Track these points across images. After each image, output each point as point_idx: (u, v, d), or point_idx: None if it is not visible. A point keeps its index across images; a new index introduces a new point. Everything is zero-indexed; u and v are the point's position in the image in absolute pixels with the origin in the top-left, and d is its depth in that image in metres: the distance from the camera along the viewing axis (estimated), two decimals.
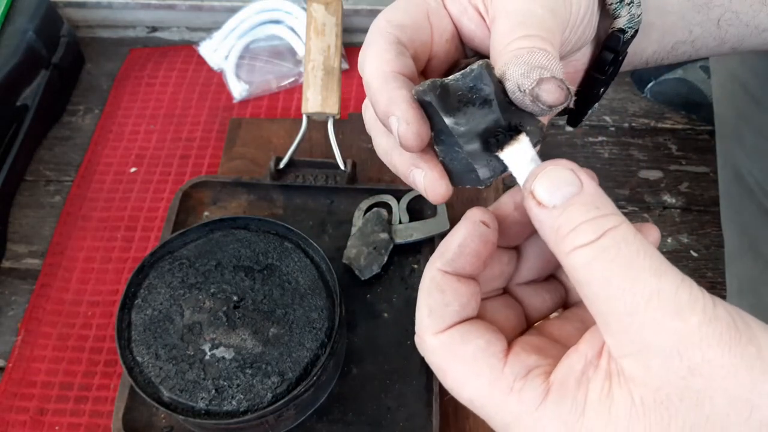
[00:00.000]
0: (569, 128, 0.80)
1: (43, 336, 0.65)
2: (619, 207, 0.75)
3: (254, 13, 0.85)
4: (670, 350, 0.19)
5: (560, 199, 0.21)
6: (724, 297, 0.60)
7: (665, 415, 0.19)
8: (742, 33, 0.35)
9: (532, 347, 0.23)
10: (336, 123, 0.61)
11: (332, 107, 0.59)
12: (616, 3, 0.31)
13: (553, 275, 0.29)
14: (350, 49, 0.87)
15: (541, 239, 0.23)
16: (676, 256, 0.71)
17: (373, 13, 0.88)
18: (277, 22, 0.85)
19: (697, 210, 0.75)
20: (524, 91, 0.23)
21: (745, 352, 0.19)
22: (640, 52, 0.35)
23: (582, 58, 0.34)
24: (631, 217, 0.74)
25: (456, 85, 0.23)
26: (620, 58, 0.33)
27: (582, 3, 0.29)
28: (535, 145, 0.24)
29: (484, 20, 0.28)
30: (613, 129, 0.81)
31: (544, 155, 0.24)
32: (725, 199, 0.59)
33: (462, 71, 0.23)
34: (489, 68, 0.23)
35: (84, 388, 0.62)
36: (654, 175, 0.77)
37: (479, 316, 0.25)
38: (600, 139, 0.80)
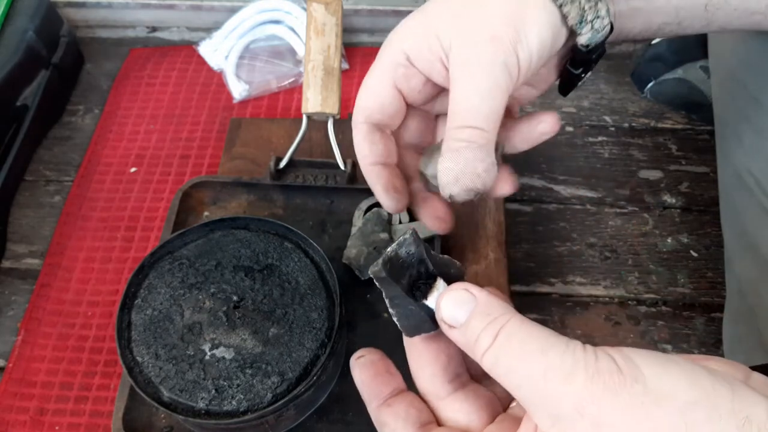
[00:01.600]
0: (569, 128, 0.80)
1: (43, 336, 0.65)
2: (619, 207, 0.76)
3: (254, 13, 0.85)
4: (572, 413, 0.22)
5: (463, 316, 0.25)
6: (724, 297, 0.60)
7: None
8: (730, 15, 0.36)
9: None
10: (336, 123, 0.61)
11: (332, 107, 0.59)
12: (577, 24, 0.33)
13: None
14: (350, 49, 0.87)
15: None
16: (676, 256, 0.71)
17: (373, 14, 0.88)
18: (277, 22, 0.85)
19: (697, 210, 0.75)
20: (445, 195, 0.31)
21: (632, 392, 0.21)
22: (626, 33, 0.37)
23: (557, 56, 0.37)
24: (631, 216, 0.74)
25: (396, 255, 0.28)
26: (593, 56, 0.35)
27: (532, 53, 0.32)
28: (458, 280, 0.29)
29: (447, 71, 0.34)
30: (613, 129, 0.81)
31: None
32: (725, 199, 0.59)
33: (397, 241, 0.28)
34: (415, 233, 0.29)
35: (84, 388, 0.62)
36: (654, 175, 0.77)
37: (447, 417, 0.28)
38: (600, 139, 0.80)
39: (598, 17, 0.33)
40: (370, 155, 0.37)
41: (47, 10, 0.81)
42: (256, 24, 0.85)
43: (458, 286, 0.27)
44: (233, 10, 0.86)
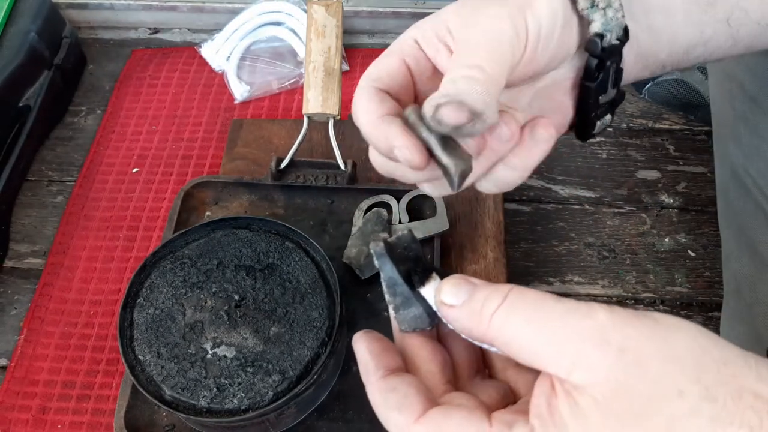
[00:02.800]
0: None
1: (45, 335, 0.65)
2: (617, 207, 0.76)
3: (255, 14, 0.85)
4: (597, 341, 0.23)
5: (464, 295, 0.26)
6: (722, 296, 0.61)
7: (624, 397, 0.22)
8: (755, 32, 0.35)
9: (507, 411, 0.26)
10: (336, 124, 0.62)
11: (333, 108, 0.60)
12: (588, 8, 0.32)
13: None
14: (351, 51, 0.88)
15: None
16: (673, 256, 0.72)
17: (373, 15, 0.88)
18: (278, 23, 0.86)
19: (694, 210, 0.75)
20: (428, 116, 0.28)
21: (646, 323, 0.23)
22: (654, 57, 0.36)
23: (572, 70, 0.35)
24: (629, 216, 0.75)
25: (396, 243, 0.29)
26: (608, 63, 0.33)
27: (542, 20, 0.31)
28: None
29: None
30: (611, 129, 0.81)
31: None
32: (722, 198, 0.60)
33: (396, 235, 0.29)
34: (411, 234, 0.29)
35: (86, 386, 0.62)
36: (652, 175, 0.78)
37: None
38: (598, 139, 0.80)
39: (610, 6, 0.32)
40: (379, 109, 0.31)
41: (50, 12, 0.82)
42: (257, 26, 0.85)
43: (457, 275, 0.27)
44: (235, 12, 0.86)
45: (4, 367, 0.64)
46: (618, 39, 0.33)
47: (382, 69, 0.33)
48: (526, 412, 0.25)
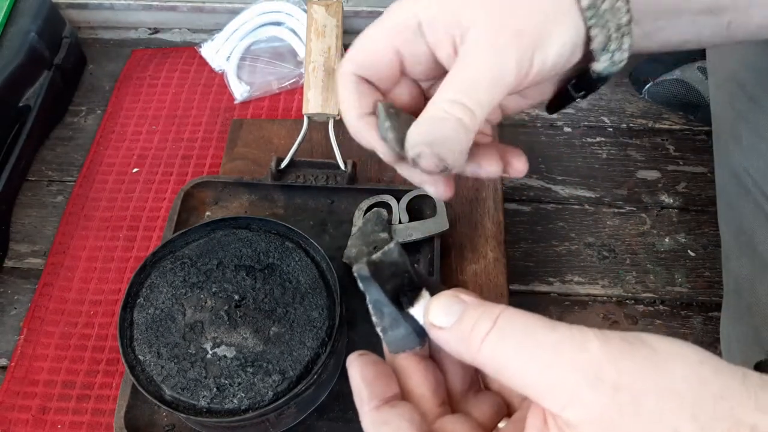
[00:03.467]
0: (567, 129, 0.81)
1: (45, 335, 0.65)
2: (617, 207, 0.76)
3: (255, 14, 0.85)
4: (591, 379, 0.22)
5: (454, 316, 0.25)
6: (722, 296, 0.61)
7: None
8: (753, 32, 0.35)
9: None
10: (336, 124, 0.62)
11: (333, 108, 0.60)
12: (600, 50, 0.31)
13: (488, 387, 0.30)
14: None
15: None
16: (673, 256, 0.72)
17: (373, 15, 0.88)
18: (278, 23, 0.86)
19: (694, 210, 0.75)
20: (408, 156, 0.28)
21: (644, 354, 0.22)
22: (645, 50, 0.36)
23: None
24: (629, 216, 0.75)
25: (381, 261, 0.28)
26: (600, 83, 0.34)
27: (548, 60, 0.30)
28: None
29: (455, 54, 0.31)
30: (611, 129, 0.81)
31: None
32: (722, 198, 0.59)
33: (382, 251, 0.28)
34: (399, 246, 0.28)
35: (86, 386, 0.62)
36: (652, 175, 0.78)
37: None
38: (598, 139, 0.80)
39: (620, 49, 0.31)
40: (358, 106, 0.32)
41: (50, 12, 0.82)
42: (257, 26, 0.86)
43: (448, 293, 0.26)
44: (235, 12, 0.86)
45: (4, 367, 0.64)
46: (617, 71, 0.33)
47: (370, 57, 0.32)
48: None
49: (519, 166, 0.34)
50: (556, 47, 0.30)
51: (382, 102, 0.32)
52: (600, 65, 0.32)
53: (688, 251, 0.72)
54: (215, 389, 0.48)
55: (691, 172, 0.78)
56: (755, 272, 0.53)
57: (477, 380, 0.30)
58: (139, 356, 0.50)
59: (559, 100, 0.37)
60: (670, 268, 0.71)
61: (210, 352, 0.50)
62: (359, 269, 0.27)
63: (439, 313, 0.25)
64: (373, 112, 0.33)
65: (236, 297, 0.52)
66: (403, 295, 0.28)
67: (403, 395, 0.28)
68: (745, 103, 0.54)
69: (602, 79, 0.33)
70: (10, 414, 0.61)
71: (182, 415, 0.48)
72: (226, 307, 0.52)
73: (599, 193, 0.76)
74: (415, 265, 0.29)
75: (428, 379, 0.28)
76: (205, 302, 0.52)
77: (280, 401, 0.48)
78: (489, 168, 0.34)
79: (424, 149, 0.29)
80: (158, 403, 0.48)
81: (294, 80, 0.83)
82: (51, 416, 0.61)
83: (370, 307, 0.28)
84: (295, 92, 0.83)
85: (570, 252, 0.72)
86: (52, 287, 0.68)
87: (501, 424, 0.28)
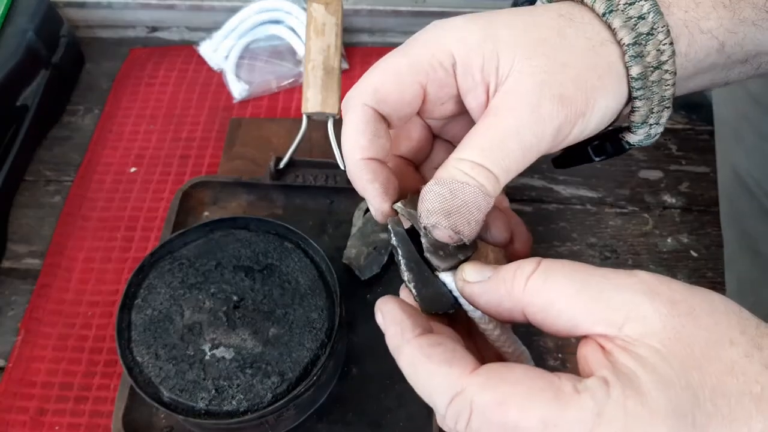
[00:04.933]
0: None
1: (43, 336, 0.65)
2: (620, 207, 0.76)
3: (254, 13, 0.85)
4: (649, 294, 0.23)
5: (489, 272, 0.26)
6: None
7: (683, 342, 0.22)
8: None
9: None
10: (336, 123, 0.61)
11: (332, 107, 0.59)
12: (638, 125, 0.29)
13: None
14: (350, 49, 0.87)
15: None
16: (675, 256, 0.71)
17: (373, 14, 0.88)
18: (277, 22, 0.85)
19: (697, 210, 0.75)
20: (421, 222, 0.27)
21: (684, 285, 0.24)
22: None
23: None
24: (632, 216, 0.74)
25: (413, 229, 0.27)
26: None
27: (589, 127, 0.28)
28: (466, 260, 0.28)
29: (487, 102, 0.28)
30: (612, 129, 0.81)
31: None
32: (725, 199, 0.59)
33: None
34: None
35: (84, 388, 0.62)
36: (654, 175, 0.77)
37: None
38: None
39: (658, 123, 0.29)
40: (369, 148, 0.28)
41: (47, 10, 0.81)
42: (256, 24, 0.85)
43: (477, 262, 0.27)
44: (233, 10, 0.86)
45: (1, 369, 0.64)
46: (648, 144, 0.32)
47: (393, 92, 0.28)
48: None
49: (524, 237, 0.34)
50: (598, 118, 0.28)
51: (401, 207, 0.29)
52: (635, 137, 0.31)
53: (691, 251, 0.72)
54: (214, 391, 0.48)
55: (694, 172, 0.77)
56: (758, 274, 0.53)
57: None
58: (137, 358, 0.50)
59: (572, 159, 0.35)
60: (673, 269, 0.70)
61: (208, 354, 0.50)
62: (394, 223, 0.27)
63: (474, 270, 0.26)
64: (377, 158, 0.29)
65: (235, 298, 0.52)
66: (434, 257, 0.27)
67: None
68: (748, 104, 0.53)
69: (628, 149, 0.32)
70: (8, 415, 0.60)
71: (181, 416, 0.48)
72: (224, 308, 0.51)
73: (601, 193, 0.76)
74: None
75: (461, 340, 0.27)
76: (204, 303, 0.52)
77: (279, 403, 0.48)
78: (498, 236, 0.32)
79: (441, 220, 0.26)
80: (156, 404, 0.48)
81: (293, 79, 0.83)
82: (49, 418, 0.60)
83: (402, 263, 0.27)
84: (294, 91, 0.83)
85: (572, 252, 0.71)
86: (49, 288, 0.68)
87: None
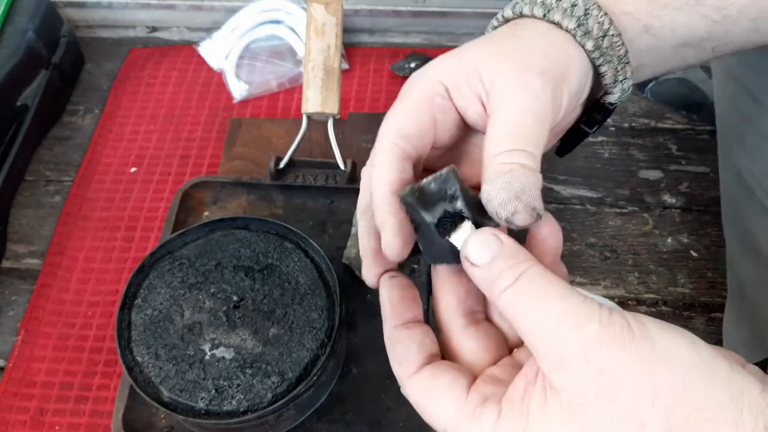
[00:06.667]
0: None
1: (43, 336, 0.65)
2: (619, 207, 0.76)
3: (254, 13, 0.85)
4: (578, 357, 0.23)
5: (488, 256, 0.26)
6: (724, 297, 0.60)
7: (588, 414, 0.23)
8: (739, 48, 0.37)
9: (492, 379, 0.28)
10: (336, 123, 0.61)
11: (332, 107, 0.59)
12: (611, 84, 0.34)
13: None
14: (350, 49, 0.87)
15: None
16: (676, 257, 0.71)
17: (373, 14, 0.88)
18: (277, 22, 0.85)
19: (697, 210, 0.75)
20: (501, 217, 0.28)
21: (640, 348, 0.23)
22: (634, 78, 0.37)
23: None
24: (632, 216, 0.74)
25: (429, 187, 0.29)
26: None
27: (572, 93, 0.32)
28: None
29: (486, 110, 0.31)
30: (613, 129, 0.81)
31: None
32: (726, 199, 0.59)
33: (433, 175, 0.29)
34: (455, 172, 0.29)
35: (84, 388, 0.62)
36: (654, 175, 0.77)
37: (455, 350, 0.30)
38: (600, 139, 0.80)
39: (626, 78, 0.34)
40: (396, 182, 0.30)
41: (47, 10, 0.81)
42: (256, 24, 0.85)
43: (487, 230, 0.27)
44: (233, 10, 0.86)
45: (1, 368, 0.64)
46: (626, 98, 0.35)
47: (414, 127, 0.31)
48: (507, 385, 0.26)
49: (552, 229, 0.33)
50: (576, 79, 0.32)
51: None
52: (614, 96, 0.34)
53: (691, 252, 0.72)
54: (214, 391, 0.48)
55: (694, 172, 0.77)
56: (760, 274, 0.53)
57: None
58: (137, 357, 0.50)
59: (570, 141, 0.38)
60: (673, 269, 0.70)
61: (208, 354, 0.49)
62: (403, 196, 0.29)
63: (476, 248, 0.27)
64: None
65: (235, 298, 0.52)
66: (443, 225, 0.29)
67: (435, 302, 0.31)
68: (749, 104, 0.53)
69: (613, 109, 0.35)
70: (8, 415, 0.60)
71: (181, 416, 0.48)
72: (224, 308, 0.51)
73: (601, 193, 0.76)
74: (471, 194, 0.29)
75: (457, 290, 0.30)
76: (204, 303, 0.52)
77: (279, 403, 0.48)
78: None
79: (517, 204, 0.28)
80: (156, 404, 0.48)
81: (293, 79, 0.83)
82: (49, 418, 0.60)
83: (414, 225, 0.30)
84: (295, 91, 0.83)
85: (572, 252, 0.71)
86: (49, 288, 0.68)
87: (518, 349, 0.30)
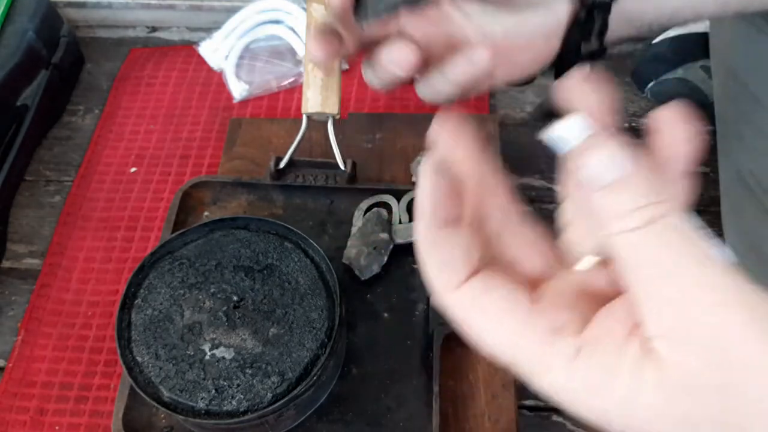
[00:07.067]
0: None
1: (43, 336, 0.65)
2: None
3: (254, 13, 0.85)
4: (710, 343, 0.19)
5: (615, 176, 0.21)
6: None
7: (696, 402, 0.19)
8: (746, 2, 0.36)
9: (561, 299, 0.23)
10: (336, 123, 0.61)
11: (332, 107, 0.59)
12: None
13: None
14: None
15: None
16: None
17: None
18: (277, 22, 0.85)
19: (697, 210, 0.74)
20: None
21: None
22: (639, 17, 0.36)
23: (562, 15, 0.36)
24: None
25: None
26: (595, 13, 0.36)
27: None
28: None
29: None
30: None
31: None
32: (726, 199, 0.59)
33: None
34: None
35: (84, 388, 0.62)
36: None
37: (504, 253, 0.24)
38: None
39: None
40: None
41: (47, 10, 0.81)
42: (256, 24, 0.85)
43: (620, 141, 0.22)
44: (233, 10, 0.86)
45: (1, 369, 0.64)
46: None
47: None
48: (584, 314, 0.22)
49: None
50: None
51: None
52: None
53: None
54: (214, 391, 0.48)
55: (694, 172, 0.77)
56: (760, 274, 0.53)
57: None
58: (137, 357, 0.50)
59: (563, 61, 0.37)
60: None
61: (208, 354, 0.49)
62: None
63: (601, 162, 0.21)
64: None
65: (235, 298, 0.52)
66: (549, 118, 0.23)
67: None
68: (749, 104, 0.53)
69: (601, 4, 0.35)
70: (8, 415, 0.60)
71: (181, 416, 0.48)
72: (224, 308, 0.51)
73: None
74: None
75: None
76: (204, 303, 0.52)
77: (279, 403, 0.48)
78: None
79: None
80: (156, 404, 0.48)
81: (293, 79, 0.83)
82: (49, 418, 0.60)
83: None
84: (295, 91, 0.82)
85: None
86: (49, 288, 0.68)
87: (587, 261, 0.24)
